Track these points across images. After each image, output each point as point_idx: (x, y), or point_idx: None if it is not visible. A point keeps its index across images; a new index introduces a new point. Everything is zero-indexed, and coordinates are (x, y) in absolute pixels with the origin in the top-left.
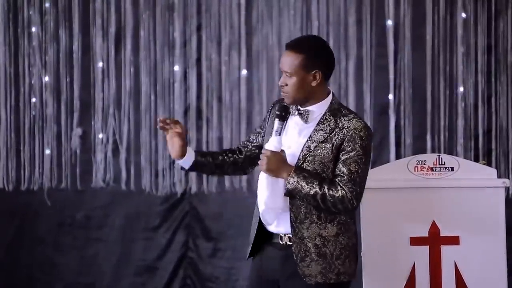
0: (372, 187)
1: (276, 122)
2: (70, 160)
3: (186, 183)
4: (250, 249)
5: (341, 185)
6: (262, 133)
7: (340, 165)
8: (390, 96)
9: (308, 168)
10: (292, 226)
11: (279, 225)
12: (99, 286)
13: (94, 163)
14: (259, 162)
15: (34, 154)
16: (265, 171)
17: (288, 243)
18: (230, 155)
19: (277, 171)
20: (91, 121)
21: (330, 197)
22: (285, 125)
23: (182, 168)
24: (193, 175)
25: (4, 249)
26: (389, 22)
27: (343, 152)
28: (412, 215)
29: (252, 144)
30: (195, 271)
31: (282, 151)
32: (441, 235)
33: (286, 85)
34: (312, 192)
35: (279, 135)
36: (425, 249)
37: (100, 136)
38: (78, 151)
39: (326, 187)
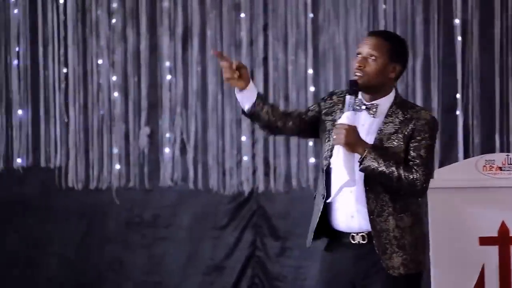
0: (441, 186)
1: (348, 97)
2: (138, 159)
3: (253, 183)
4: (312, 236)
5: (415, 168)
6: (311, 114)
7: (411, 151)
8: (458, 95)
9: None
10: (370, 220)
11: (353, 221)
12: (167, 285)
13: (162, 162)
14: (334, 135)
15: (102, 153)
16: (343, 145)
17: (361, 241)
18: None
19: (354, 145)
20: (158, 120)
21: (405, 178)
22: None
23: (242, 112)
24: (260, 175)
25: (74, 248)
26: (457, 21)
27: (413, 141)
28: (481, 214)
29: (304, 116)
30: (263, 270)
31: (356, 126)
32: (510, 235)
33: (364, 66)
34: (388, 170)
35: (353, 109)
36: (494, 249)
37: (168, 135)
38: (146, 150)
39: (402, 168)
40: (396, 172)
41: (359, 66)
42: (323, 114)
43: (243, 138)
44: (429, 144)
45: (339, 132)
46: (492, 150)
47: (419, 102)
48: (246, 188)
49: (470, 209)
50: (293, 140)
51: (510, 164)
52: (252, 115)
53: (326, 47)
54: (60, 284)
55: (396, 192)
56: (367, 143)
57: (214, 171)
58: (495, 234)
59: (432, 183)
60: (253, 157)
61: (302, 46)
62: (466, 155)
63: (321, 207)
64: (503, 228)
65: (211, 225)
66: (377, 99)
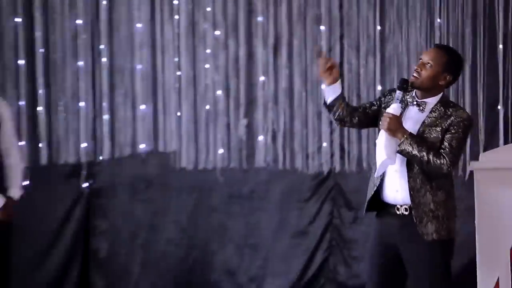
0: (484, 167)
1: (397, 92)
2: (237, 145)
3: (331, 164)
4: (365, 206)
5: (444, 155)
6: (374, 108)
7: (444, 141)
8: (500, 93)
9: None
10: (410, 195)
11: (397, 193)
12: (262, 246)
13: (257, 147)
14: (381, 122)
15: (208, 140)
16: (385, 130)
17: (404, 213)
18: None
19: (394, 131)
20: (254, 113)
21: (433, 162)
22: (404, 96)
23: (324, 102)
24: (337, 158)
25: (187, 216)
26: (499, 32)
27: (448, 133)
28: None
29: (369, 110)
30: (339, 235)
31: (400, 116)
32: None
33: (421, 70)
34: (419, 154)
35: (400, 102)
36: None
37: (262, 125)
38: (244, 138)
39: (432, 154)
40: (426, 157)
41: (417, 69)
42: (383, 108)
43: (323, 128)
44: (460, 137)
45: (384, 119)
46: None
47: (467, 98)
48: (325, 169)
49: (509, 186)
50: (364, 131)
51: None
52: (331, 107)
53: (391, 54)
54: (176, 245)
55: (425, 171)
56: (406, 131)
57: (299, 155)
58: None
59: (477, 165)
60: (331, 143)
61: (371, 53)
62: (506, 142)
63: (377, 183)
64: None
65: (297, 198)
66: (426, 98)
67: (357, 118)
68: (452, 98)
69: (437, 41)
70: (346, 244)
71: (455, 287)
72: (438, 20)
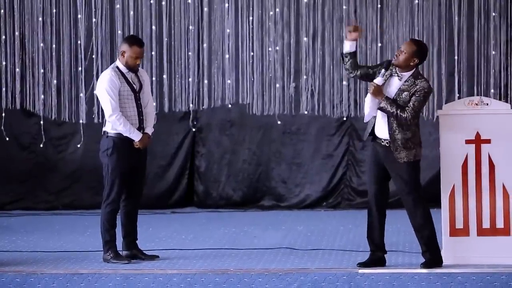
0: (446, 113)
1: (382, 70)
2: (289, 99)
3: (348, 111)
4: (366, 136)
5: (407, 110)
6: (370, 72)
7: (410, 102)
8: (455, 66)
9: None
10: (389, 133)
11: (382, 132)
12: (303, 164)
13: (301, 100)
14: (368, 89)
15: (270, 96)
16: (371, 94)
17: (386, 144)
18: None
19: (376, 95)
20: (299, 79)
21: (400, 115)
22: (387, 73)
23: (341, 52)
24: (352, 107)
25: (255, 145)
26: (455, 26)
27: (413, 96)
28: (466, 127)
29: (367, 71)
30: (353, 157)
31: (381, 86)
32: (481, 138)
33: (399, 55)
34: (391, 110)
35: (382, 77)
36: (472, 146)
37: (305, 87)
38: (293, 94)
39: (399, 110)
40: (395, 112)
41: (397, 54)
42: (373, 73)
43: (343, 89)
44: (421, 100)
45: (370, 87)
46: (472, 95)
47: (435, 69)
48: (344, 114)
49: (461, 125)
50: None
51: (482, 102)
52: (345, 57)
53: (386, 42)
54: (248, 163)
55: (397, 120)
56: (384, 95)
57: (328, 106)
58: (473, 138)
59: (441, 112)
60: (348, 98)
61: (374, 41)
62: (458, 98)
63: (371, 125)
64: (477, 135)
65: (326, 133)
66: (403, 72)
67: (359, 72)
68: (425, 69)
69: (414, 36)
70: (358, 162)
71: (427, 191)
72: (416, 21)
